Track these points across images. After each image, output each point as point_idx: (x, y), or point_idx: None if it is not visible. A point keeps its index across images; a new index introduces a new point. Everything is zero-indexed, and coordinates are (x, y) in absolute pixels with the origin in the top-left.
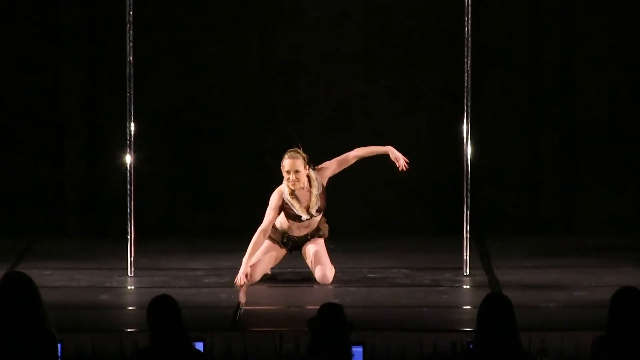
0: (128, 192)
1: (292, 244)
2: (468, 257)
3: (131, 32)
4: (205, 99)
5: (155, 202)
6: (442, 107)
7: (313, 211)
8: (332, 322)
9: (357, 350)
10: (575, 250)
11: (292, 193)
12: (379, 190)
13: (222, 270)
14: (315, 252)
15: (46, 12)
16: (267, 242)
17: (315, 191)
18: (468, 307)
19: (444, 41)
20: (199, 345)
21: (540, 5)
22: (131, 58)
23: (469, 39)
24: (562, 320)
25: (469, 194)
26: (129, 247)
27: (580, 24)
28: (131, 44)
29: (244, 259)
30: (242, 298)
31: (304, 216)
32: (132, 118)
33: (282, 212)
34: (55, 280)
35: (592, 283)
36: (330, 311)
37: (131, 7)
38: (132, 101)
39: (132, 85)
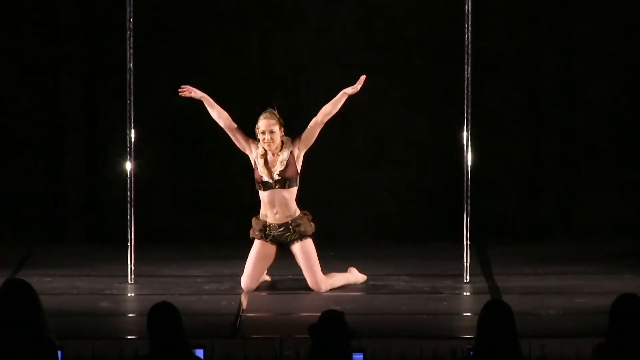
0: (128, 198)
1: (273, 236)
2: (468, 264)
3: (131, 39)
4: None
5: (156, 208)
6: (442, 114)
7: (275, 175)
8: (333, 329)
9: (358, 358)
10: (576, 257)
11: (263, 155)
12: (379, 197)
13: (222, 277)
14: (303, 260)
15: (46, 16)
16: (254, 245)
17: (282, 156)
18: (468, 314)
19: (444, 47)
20: (199, 353)
21: (540, 11)
22: (131, 65)
23: (469, 45)
24: (562, 327)
25: (469, 201)
26: (129, 254)
27: (580, 29)
28: (131, 51)
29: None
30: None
31: (265, 177)
32: (132, 124)
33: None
34: (55, 287)
35: (593, 290)
36: (331, 318)
37: (131, 14)
38: (133, 107)
39: (132, 92)
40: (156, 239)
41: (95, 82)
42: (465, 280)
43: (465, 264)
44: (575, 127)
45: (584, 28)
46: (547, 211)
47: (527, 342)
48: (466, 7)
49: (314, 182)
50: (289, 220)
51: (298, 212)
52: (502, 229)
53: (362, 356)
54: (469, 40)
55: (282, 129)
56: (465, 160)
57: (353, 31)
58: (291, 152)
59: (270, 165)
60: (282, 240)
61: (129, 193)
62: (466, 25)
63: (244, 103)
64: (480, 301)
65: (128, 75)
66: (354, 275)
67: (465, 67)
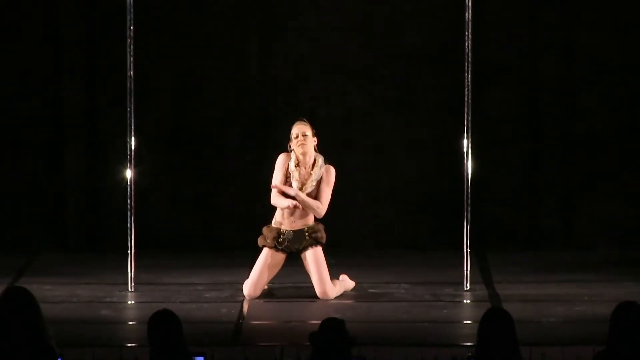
0: (128, 206)
1: (286, 245)
2: (468, 272)
3: (132, 47)
4: (205, 113)
5: (156, 216)
6: (442, 121)
7: (305, 192)
8: (334, 337)
9: None
10: (576, 265)
11: (297, 165)
12: (380, 205)
13: (222, 285)
14: (314, 267)
15: (47, 22)
16: (263, 253)
17: (314, 175)
18: (469, 321)
19: (444, 55)
20: None
21: (540, 20)
22: (132, 73)
23: (469, 54)
24: (562, 334)
25: (469, 209)
26: (130, 262)
27: (579, 36)
28: (132, 59)
29: (279, 203)
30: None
31: (295, 189)
32: (133, 132)
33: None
34: (56, 294)
35: (593, 297)
36: (331, 326)
37: (131, 22)
38: (133, 115)
39: (132, 100)
40: (156, 246)
41: (95, 90)
42: (465, 288)
43: (465, 271)
44: (576, 135)
45: (583, 34)
46: (547, 218)
47: (528, 349)
48: (466, 14)
49: None
50: (305, 227)
51: (313, 221)
52: (503, 236)
53: None
54: (469, 47)
55: (316, 139)
56: (465, 167)
57: (353, 37)
58: (323, 178)
59: (302, 178)
60: (294, 248)
61: (129, 200)
62: (466, 33)
63: (244, 108)
64: (480, 309)
65: (128, 83)
66: (347, 282)
67: (466, 74)
